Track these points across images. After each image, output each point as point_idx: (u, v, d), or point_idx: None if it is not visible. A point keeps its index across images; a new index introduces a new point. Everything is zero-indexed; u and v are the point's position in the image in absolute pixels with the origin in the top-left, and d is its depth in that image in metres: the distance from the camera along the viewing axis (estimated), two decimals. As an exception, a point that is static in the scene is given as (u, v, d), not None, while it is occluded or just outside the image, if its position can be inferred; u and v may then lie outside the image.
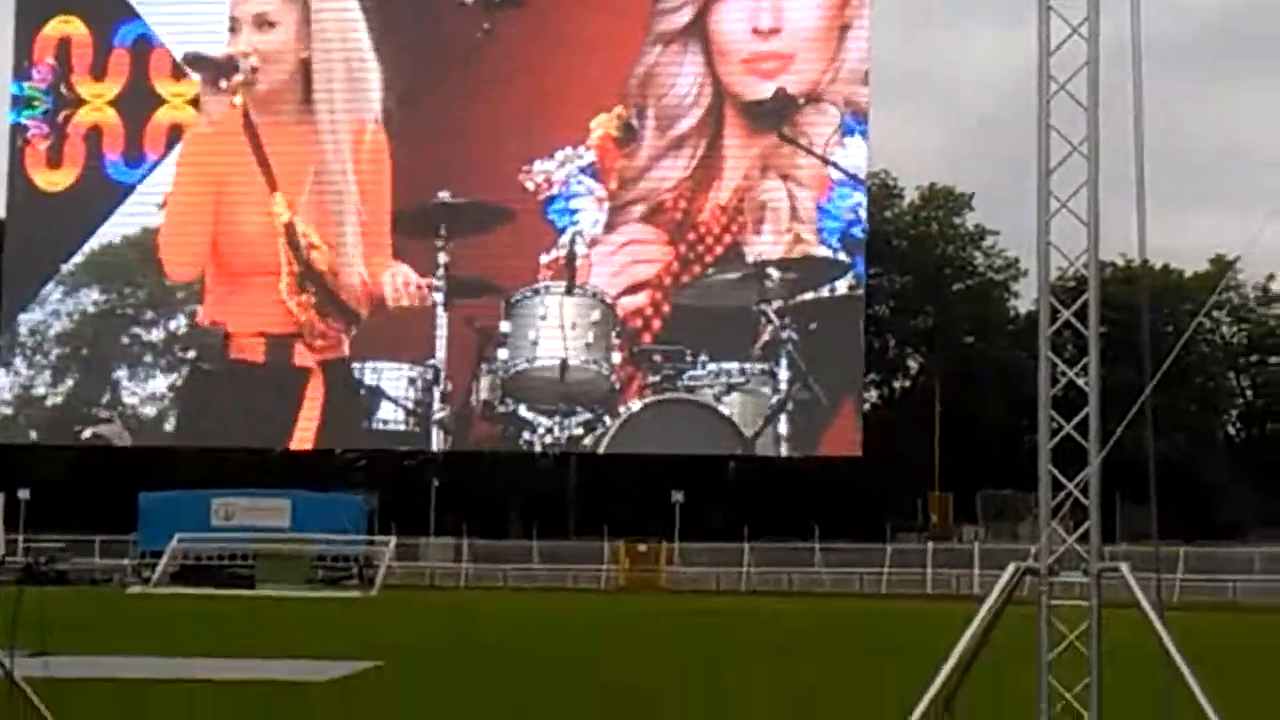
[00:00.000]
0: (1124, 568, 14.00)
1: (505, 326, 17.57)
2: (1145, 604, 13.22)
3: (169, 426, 18.49)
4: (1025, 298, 74.44)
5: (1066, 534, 15.55)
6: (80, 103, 18.52)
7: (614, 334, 17.39)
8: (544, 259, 17.60)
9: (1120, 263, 66.87)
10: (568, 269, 17.52)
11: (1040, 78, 16.68)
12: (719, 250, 17.32)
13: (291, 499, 69.05)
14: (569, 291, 17.52)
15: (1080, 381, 16.12)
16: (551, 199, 17.66)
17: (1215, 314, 78.05)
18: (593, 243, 17.56)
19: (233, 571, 60.30)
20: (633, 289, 17.45)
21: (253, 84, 18.29)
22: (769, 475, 68.31)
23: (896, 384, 79.94)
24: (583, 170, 17.61)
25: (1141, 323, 18.54)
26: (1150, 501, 15.52)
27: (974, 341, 75.61)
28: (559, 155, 17.64)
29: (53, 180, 18.53)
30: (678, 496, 68.51)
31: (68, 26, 18.73)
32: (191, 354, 18.32)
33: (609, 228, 17.58)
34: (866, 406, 64.87)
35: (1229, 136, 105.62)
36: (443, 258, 17.66)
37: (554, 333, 17.52)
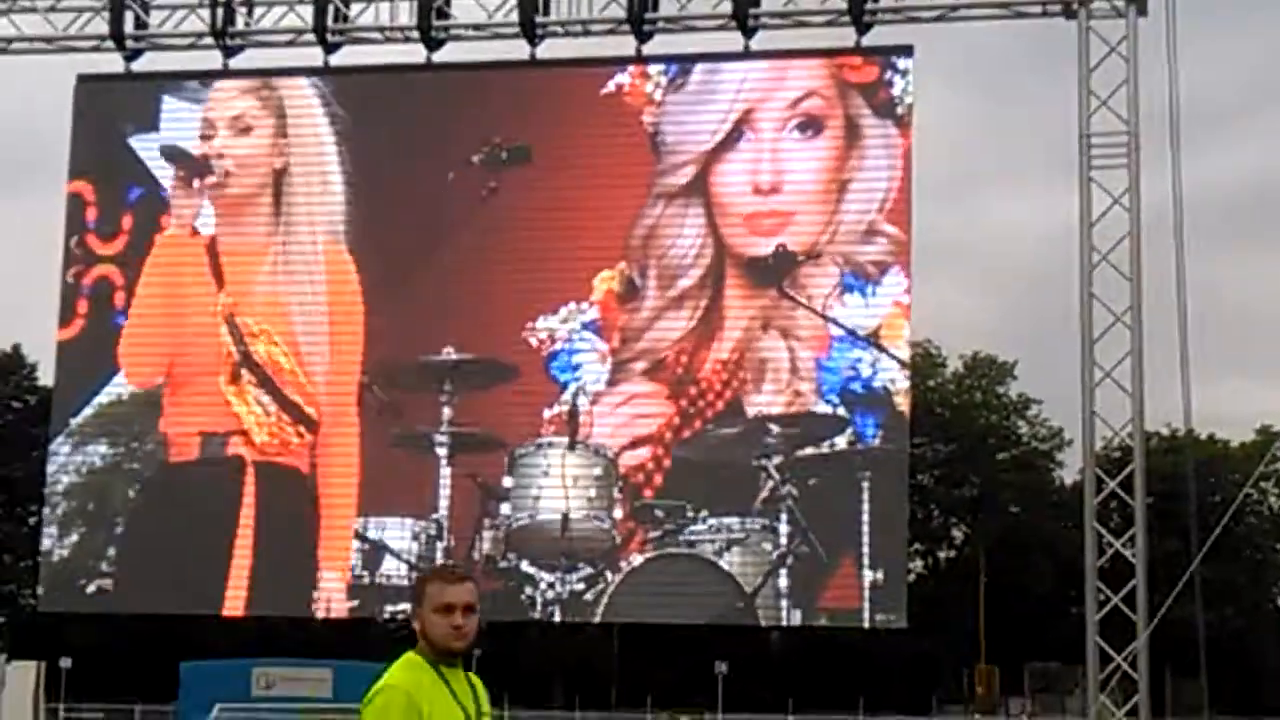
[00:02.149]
0: None
1: (508, 481, 17.69)
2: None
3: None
4: (1070, 467, 73.97)
5: (1116, 708, 15.33)
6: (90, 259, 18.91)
7: (616, 489, 17.46)
8: (547, 414, 17.76)
9: (1165, 432, 66.38)
10: (570, 424, 17.65)
11: (1082, 249, 16.73)
12: (720, 405, 17.43)
13: (334, 669, 68.72)
14: (571, 446, 17.63)
15: (1127, 553, 15.98)
16: (555, 354, 17.85)
17: (1263, 484, 77.21)
18: (595, 398, 17.71)
19: (274, 742, 59.80)
20: (634, 444, 17.55)
21: (224, 187, 18.66)
22: (813, 645, 67.58)
23: (942, 554, 79.17)
24: (586, 326, 17.82)
25: (1188, 494, 18.46)
26: (1200, 675, 15.30)
27: (1019, 511, 74.88)
28: (562, 311, 17.87)
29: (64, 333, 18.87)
30: (721, 667, 67.71)
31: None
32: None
33: (611, 383, 17.74)
34: (911, 576, 64.42)
35: (1274, 303, 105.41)
36: (447, 412, 17.82)
37: (556, 487, 17.61)
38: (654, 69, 18.14)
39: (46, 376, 54.96)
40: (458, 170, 18.30)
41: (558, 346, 17.86)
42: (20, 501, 65.65)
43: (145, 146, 18.97)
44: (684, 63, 18.32)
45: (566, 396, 17.77)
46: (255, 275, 18.70)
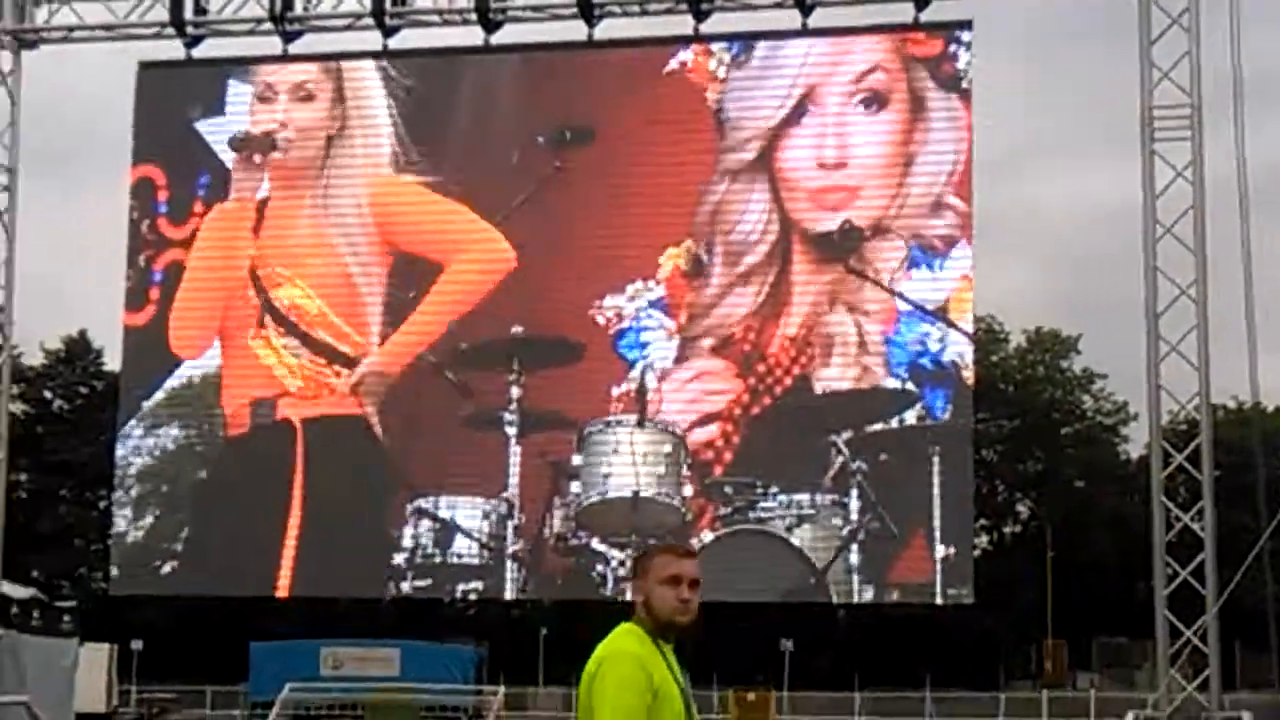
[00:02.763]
0: (1247, 717, 13.68)
1: (577, 459, 17.74)
2: (1269, 753, 12.87)
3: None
4: (1136, 442, 73.51)
5: (1186, 682, 15.29)
6: (162, 244, 19.05)
7: (685, 466, 17.49)
8: (615, 392, 17.80)
9: (1231, 405, 65.85)
10: (639, 402, 17.69)
11: (1146, 222, 16.66)
12: (788, 382, 17.42)
13: (401, 649, 69.05)
14: (640, 424, 17.66)
15: (1195, 527, 15.92)
16: (622, 333, 17.88)
17: (1331, 455, 76.59)
18: (663, 376, 17.73)
19: (343, 721, 60.16)
20: (703, 421, 17.57)
21: (285, 153, 18.75)
22: (879, 622, 67.45)
23: (1007, 529, 78.82)
24: (653, 304, 17.84)
25: (1255, 466, 18.36)
26: (1271, 649, 15.25)
27: (1085, 486, 74.48)
28: (629, 289, 17.88)
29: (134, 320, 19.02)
30: (787, 644, 67.72)
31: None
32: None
33: (679, 360, 17.76)
34: (977, 552, 64.07)
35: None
36: (515, 391, 17.87)
37: (626, 465, 17.65)
38: (717, 46, 18.11)
39: (113, 362, 55.47)
40: (523, 149, 18.35)
41: (625, 324, 17.90)
42: (89, 485, 66.25)
43: (212, 131, 19.10)
44: (743, 40, 18.31)
45: (634, 374, 17.80)
46: (290, 228, 18.77)
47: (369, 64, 19.05)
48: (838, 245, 17.49)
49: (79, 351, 68.72)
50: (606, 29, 18.76)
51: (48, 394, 68.75)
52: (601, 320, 17.93)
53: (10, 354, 20.37)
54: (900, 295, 17.30)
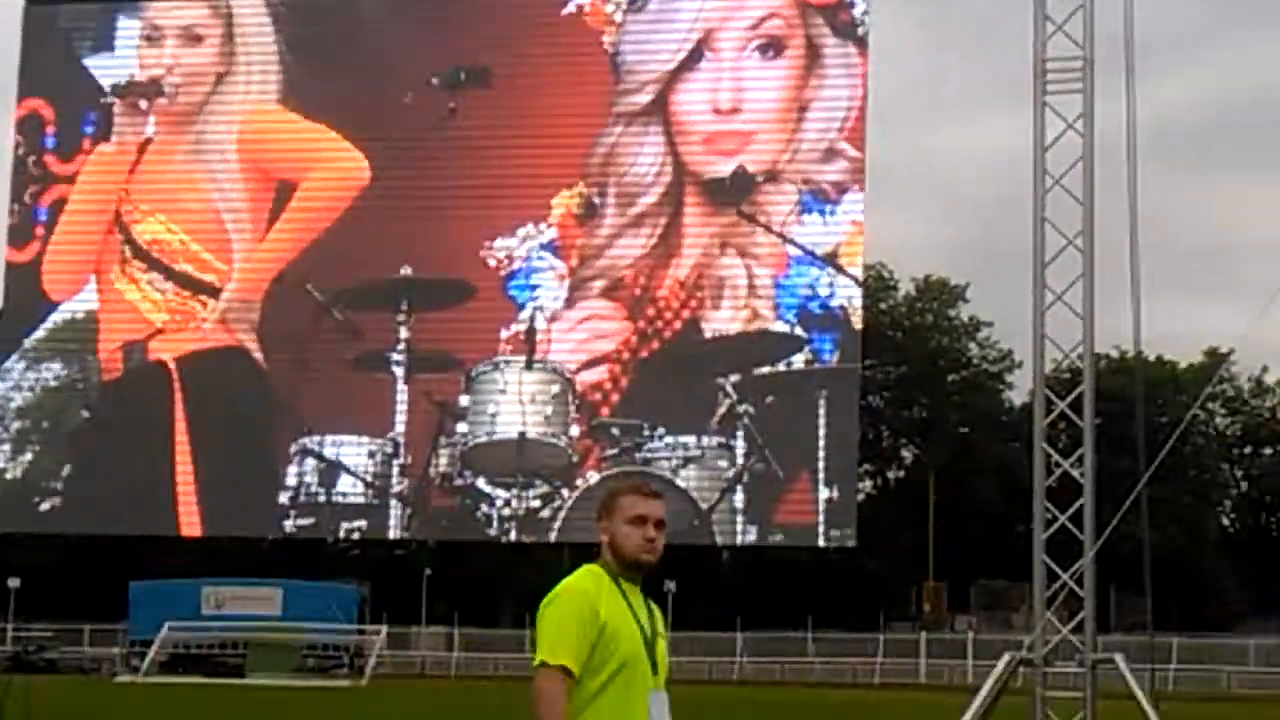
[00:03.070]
0: (1119, 659, 13.93)
1: (465, 400, 17.70)
2: (1140, 695, 13.12)
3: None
4: (1020, 389, 74.59)
5: (1061, 624, 15.53)
6: (48, 180, 18.72)
7: (573, 408, 17.50)
8: (504, 334, 17.77)
9: (1114, 355, 66.89)
10: (528, 344, 17.66)
11: (1036, 172, 16.81)
12: (678, 325, 17.46)
13: (283, 588, 68.63)
14: (529, 366, 17.64)
15: (1075, 473, 16.14)
16: (513, 275, 17.84)
17: (1209, 406, 78.00)
18: (553, 318, 17.71)
19: (223, 660, 59.93)
20: (592, 363, 17.58)
21: (171, 99, 18.53)
22: (761, 564, 68.10)
23: (891, 474, 79.78)
24: (544, 247, 17.80)
25: (1136, 414, 18.63)
26: (1145, 592, 15.52)
27: (969, 432, 75.56)
28: (520, 232, 17.84)
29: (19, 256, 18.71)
30: (670, 585, 68.14)
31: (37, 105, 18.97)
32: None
33: (569, 303, 17.74)
34: (861, 496, 64.85)
35: (1223, 228, 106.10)
36: (404, 332, 17.78)
37: (513, 406, 17.64)
38: (616, -10, 18.02)
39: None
40: (416, 92, 18.19)
41: (516, 266, 17.84)
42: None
43: (100, 68, 18.79)
44: None
45: (524, 316, 17.77)
46: (164, 166, 18.55)
47: (260, 3, 18.77)
48: (730, 190, 17.52)
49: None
50: None
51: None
52: (492, 262, 17.87)
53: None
54: (791, 241, 17.37)
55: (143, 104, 18.73)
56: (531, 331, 17.66)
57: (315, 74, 18.61)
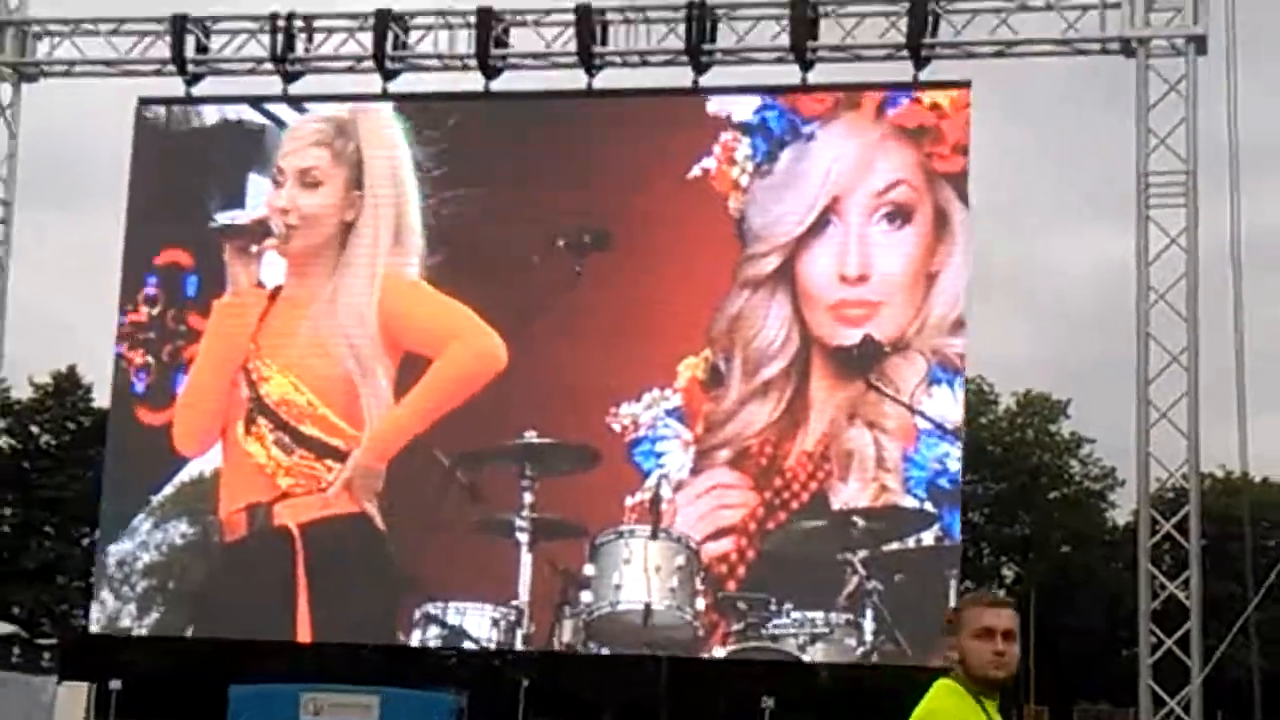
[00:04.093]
0: None
1: (589, 569, 17.56)
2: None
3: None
4: (1123, 508, 73.35)
5: None
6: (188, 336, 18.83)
7: (698, 579, 17.32)
8: (629, 501, 17.63)
9: (1219, 474, 65.80)
10: (653, 512, 17.52)
11: (1139, 288, 16.63)
12: (805, 497, 17.28)
13: (380, 695, 68.61)
14: (654, 535, 17.49)
15: (1181, 595, 15.86)
16: (637, 441, 17.73)
17: (1319, 527, 76.54)
18: (678, 486, 17.57)
19: (320, 768, 59.72)
20: (718, 534, 17.41)
21: (288, 240, 18.61)
22: (860, 683, 67.17)
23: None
24: (669, 413, 17.69)
25: (1242, 536, 18.28)
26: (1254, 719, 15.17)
27: (1070, 551, 74.31)
28: (646, 398, 17.75)
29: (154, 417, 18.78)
30: (768, 702, 67.45)
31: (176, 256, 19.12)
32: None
33: (695, 472, 17.61)
34: (961, 615, 63.66)
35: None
36: (528, 497, 17.70)
37: (638, 576, 17.48)
38: (740, 154, 17.98)
39: (101, 398, 55.11)
40: (542, 254, 18.19)
41: (641, 433, 17.74)
42: (73, 522, 65.77)
43: (230, 221, 18.98)
44: (741, 94, 18.40)
45: (649, 484, 17.64)
46: (298, 321, 18.61)
47: (390, 153, 18.88)
48: (857, 360, 17.37)
49: (67, 387, 68.34)
50: (606, 79, 18.94)
51: (34, 429, 68.31)
52: (617, 428, 17.78)
53: (-2, 388, 20.52)
54: (920, 413, 17.18)
55: (254, 247, 18.82)
56: (657, 500, 17.53)
57: (447, 232, 18.64)
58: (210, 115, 19.65)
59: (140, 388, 18.83)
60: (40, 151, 22.09)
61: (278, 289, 18.80)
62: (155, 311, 18.83)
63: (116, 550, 18.66)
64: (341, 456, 18.10)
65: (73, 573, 66.37)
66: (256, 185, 18.96)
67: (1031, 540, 75.84)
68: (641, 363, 17.87)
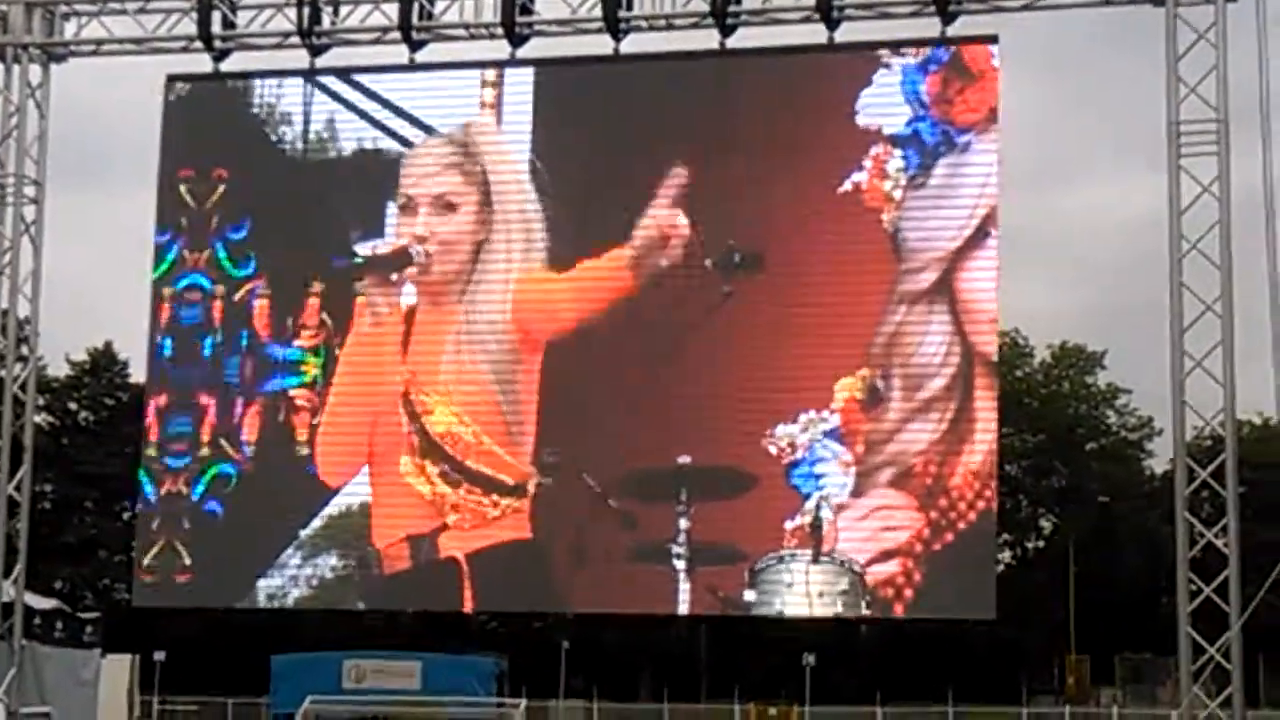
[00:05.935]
0: None
1: (749, 595, 17.26)
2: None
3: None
4: (1160, 457, 73.24)
5: (1209, 699, 15.16)
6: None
7: (864, 603, 17.02)
8: (788, 525, 17.30)
9: (1257, 420, 65.65)
10: (814, 536, 17.19)
11: (1172, 237, 16.50)
12: (972, 517, 16.95)
13: (422, 661, 68.79)
14: (815, 559, 17.18)
15: (1219, 543, 15.84)
16: (795, 463, 17.37)
17: (1356, 470, 76.53)
18: (839, 509, 17.23)
19: (364, 734, 59.95)
20: (882, 556, 17.08)
21: (428, 269, 18.32)
22: (901, 637, 67.25)
23: (1030, 544, 78.61)
24: (827, 434, 17.33)
25: None
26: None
27: (1109, 501, 74.28)
28: (802, 419, 17.39)
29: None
30: (809, 659, 67.52)
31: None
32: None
33: (856, 493, 17.26)
34: (1000, 567, 63.78)
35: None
36: (684, 523, 17.38)
37: (800, 601, 17.18)
38: (892, 168, 17.53)
39: (138, 374, 54.89)
40: (692, 275, 17.78)
41: (798, 455, 17.37)
42: (113, 497, 65.82)
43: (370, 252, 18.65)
44: (768, 55, 18.19)
45: (808, 506, 17.30)
46: (440, 347, 18.31)
47: (518, 174, 18.48)
48: (1021, 375, 17.01)
49: (104, 363, 68.33)
50: (632, 43, 18.73)
51: (73, 405, 68.37)
52: (774, 450, 17.41)
53: (36, 366, 20.35)
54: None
55: (394, 276, 18.53)
56: (818, 523, 17.19)
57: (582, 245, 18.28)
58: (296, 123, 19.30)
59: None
60: (70, 131, 21.95)
61: (411, 311, 18.43)
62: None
63: (265, 585, 18.33)
64: (507, 490, 17.77)
65: (113, 547, 66.44)
66: (392, 214, 18.63)
67: (1069, 492, 75.86)
68: (796, 384, 17.46)
